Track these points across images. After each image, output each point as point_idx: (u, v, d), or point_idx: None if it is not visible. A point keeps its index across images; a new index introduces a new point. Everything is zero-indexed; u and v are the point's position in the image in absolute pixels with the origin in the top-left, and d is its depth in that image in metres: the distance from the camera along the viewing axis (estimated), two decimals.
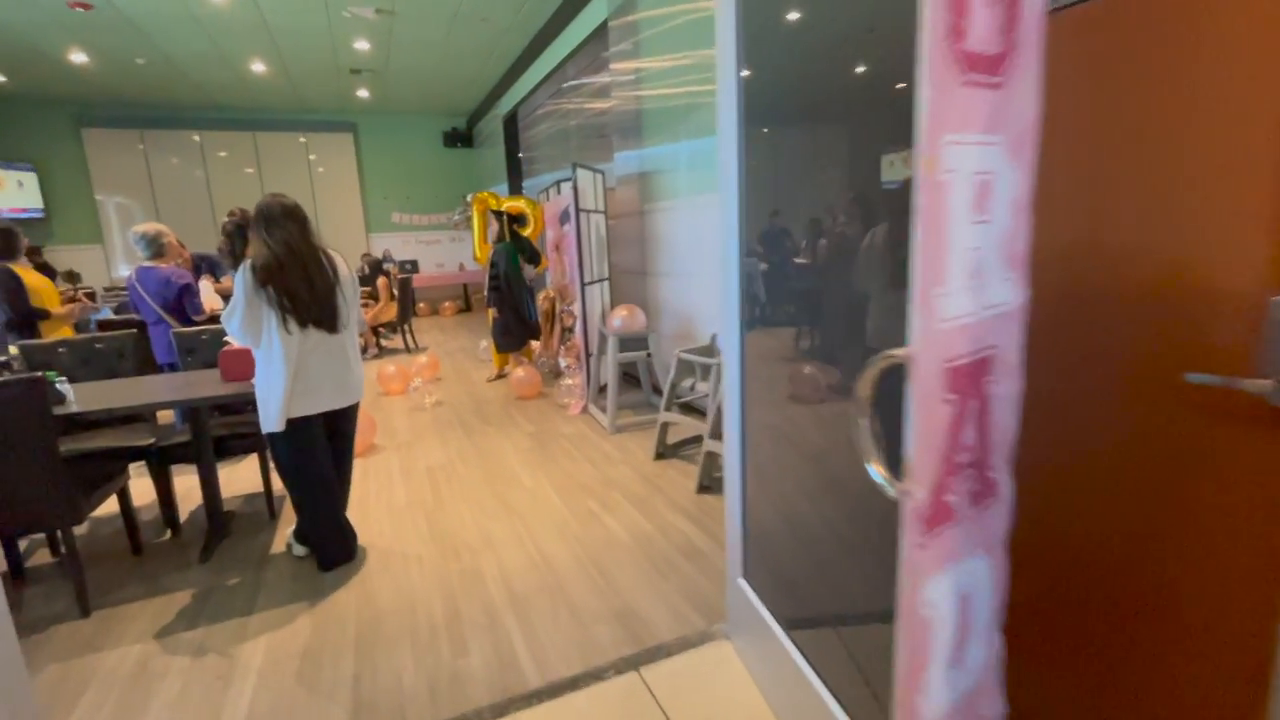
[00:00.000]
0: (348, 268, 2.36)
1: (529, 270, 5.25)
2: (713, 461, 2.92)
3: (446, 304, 10.67)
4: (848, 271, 1.32)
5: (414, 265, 10.66)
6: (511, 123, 8.80)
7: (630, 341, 3.88)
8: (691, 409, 3.88)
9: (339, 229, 10.34)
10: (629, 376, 4.90)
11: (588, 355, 4.32)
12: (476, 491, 3.06)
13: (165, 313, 3.35)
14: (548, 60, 6.61)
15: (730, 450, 1.76)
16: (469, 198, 10.31)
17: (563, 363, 5.21)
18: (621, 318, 3.92)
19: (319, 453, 2.31)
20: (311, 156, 10.15)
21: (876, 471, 0.91)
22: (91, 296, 5.72)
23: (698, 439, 3.46)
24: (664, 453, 3.40)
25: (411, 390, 4.68)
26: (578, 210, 4.14)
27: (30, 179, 8.43)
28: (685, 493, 2.93)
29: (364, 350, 6.84)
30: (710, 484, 2.94)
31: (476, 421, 4.24)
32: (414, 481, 3.23)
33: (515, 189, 8.96)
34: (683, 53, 3.86)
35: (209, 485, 2.60)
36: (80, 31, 5.80)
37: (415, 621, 2.03)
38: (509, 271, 4.98)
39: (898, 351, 0.86)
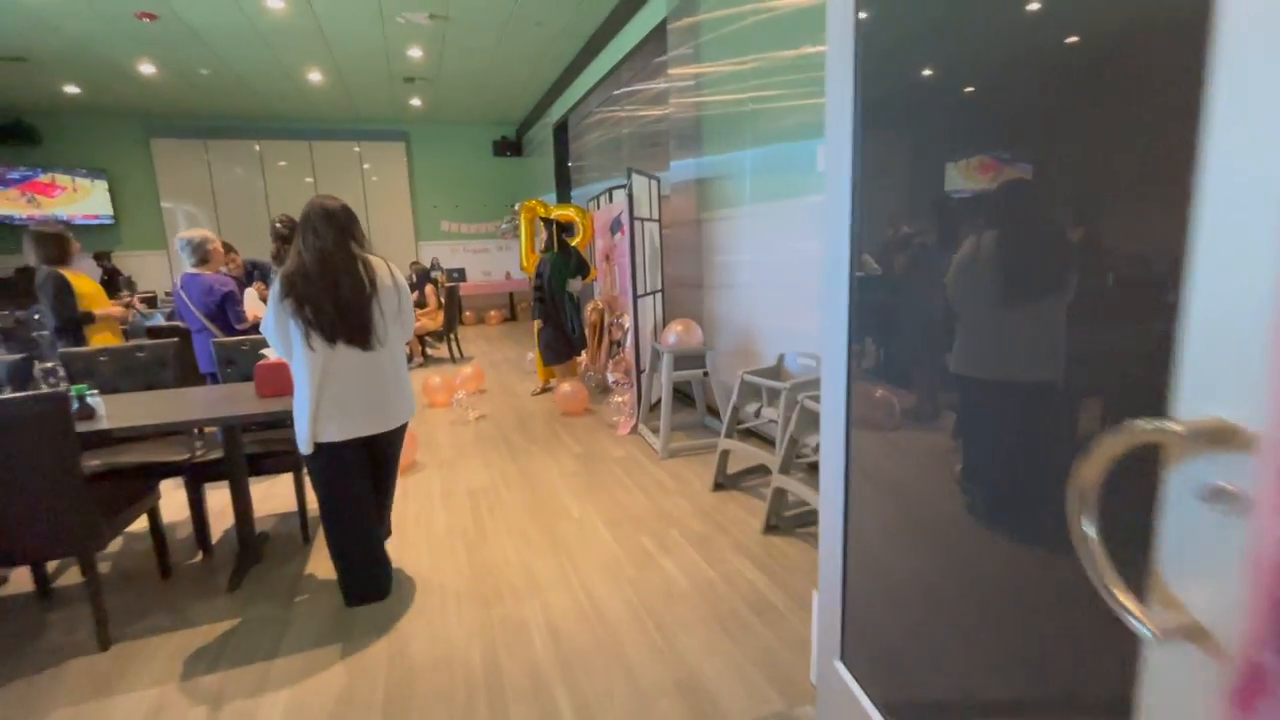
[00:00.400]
0: (394, 277, 2.13)
1: (575, 283, 5.04)
2: (781, 499, 2.61)
3: (492, 313, 10.62)
4: (1011, 294, 1.01)
5: (461, 274, 10.66)
6: (561, 131, 8.68)
7: (685, 359, 3.61)
8: (754, 435, 3.57)
9: (390, 237, 10.43)
10: (682, 395, 4.62)
11: (639, 372, 4.07)
12: (520, 521, 2.83)
13: (208, 321, 3.25)
14: (600, 65, 6.44)
15: (828, 505, 1.46)
16: (517, 206, 10.29)
17: (610, 378, 4.97)
18: (677, 333, 3.65)
19: (352, 483, 2.11)
20: (366, 166, 10.29)
21: (1127, 606, 0.60)
22: (152, 302, 5.80)
23: (761, 469, 3.15)
24: (723, 483, 3.10)
25: (455, 403, 4.52)
26: (632, 218, 3.90)
27: (101, 186, 8.75)
28: (750, 532, 2.63)
29: (409, 359, 6.77)
30: (779, 523, 2.63)
31: (521, 439, 4.03)
32: (455, 506, 3.02)
33: (564, 198, 8.84)
34: (748, 56, 3.59)
35: (241, 508, 2.44)
36: (147, 43, 5.93)
37: (452, 682, 1.79)
38: (553, 283, 4.78)
39: (1172, 425, 0.57)
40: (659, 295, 4.45)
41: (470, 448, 3.90)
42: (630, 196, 3.86)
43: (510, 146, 10.82)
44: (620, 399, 4.24)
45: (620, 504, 2.96)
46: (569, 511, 2.90)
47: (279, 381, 2.39)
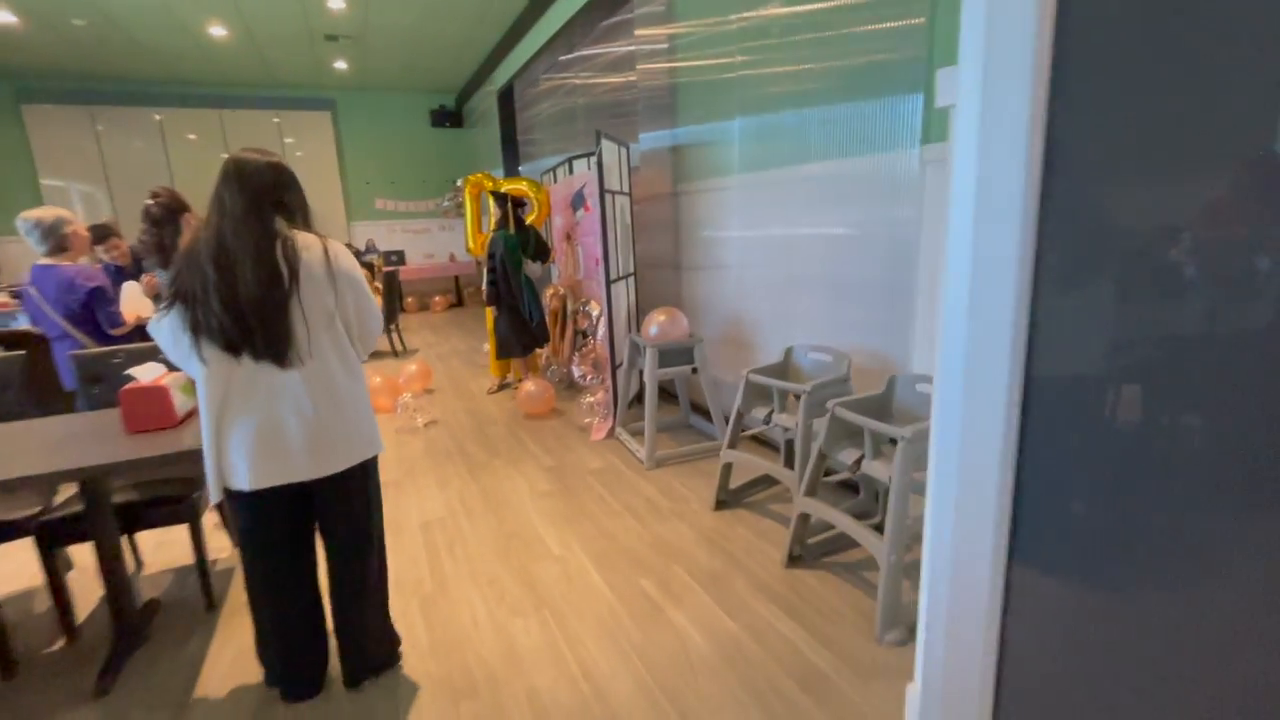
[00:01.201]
0: (332, 263, 1.48)
1: (534, 267, 4.46)
2: (805, 525, 2.18)
3: (437, 298, 9.84)
4: None
5: (400, 256, 9.81)
6: (507, 99, 7.94)
7: (669, 353, 3.13)
8: (756, 440, 3.15)
9: (317, 218, 9.44)
10: (661, 392, 4.15)
11: (614, 367, 3.57)
12: (488, 563, 2.31)
13: (71, 325, 2.55)
14: (550, 24, 5.77)
15: (936, 581, 1.03)
16: (460, 182, 9.48)
17: (576, 371, 4.45)
18: (659, 324, 3.16)
19: (275, 546, 1.55)
20: (288, 140, 9.24)
21: None
22: (17, 297, 4.86)
23: (766, 479, 2.73)
24: (726, 500, 2.66)
25: (400, 408, 3.90)
26: (603, 190, 3.36)
27: None
28: (769, 565, 2.20)
29: None
30: (803, 554, 2.21)
31: (480, 450, 3.48)
32: (406, 546, 2.47)
33: (512, 173, 8.13)
34: (733, 15, 3.08)
35: (114, 578, 1.83)
36: None
37: None
38: (507, 265, 4.19)
39: None
40: (631, 279, 3.94)
41: (421, 464, 3.33)
42: (599, 164, 3.31)
43: (449, 117, 9.96)
44: (592, 398, 3.73)
45: (608, 533, 2.48)
46: (547, 546, 2.40)
47: (156, 411, 1.78)
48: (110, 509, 1.82)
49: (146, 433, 1.77)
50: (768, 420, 2.45)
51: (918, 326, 2.31)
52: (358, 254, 6.92)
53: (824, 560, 2.22)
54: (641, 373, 3.34)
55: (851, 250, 2.55)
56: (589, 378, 4.34)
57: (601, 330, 3.92)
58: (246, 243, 1.39)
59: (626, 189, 3.85)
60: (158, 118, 8.50)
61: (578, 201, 4.41)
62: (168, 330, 1.41)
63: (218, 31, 6.31)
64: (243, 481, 1.44)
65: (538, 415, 4.00)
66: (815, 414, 2.29)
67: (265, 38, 6.61)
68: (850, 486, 2.54)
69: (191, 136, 8.69)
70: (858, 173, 2.48)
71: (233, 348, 1.39)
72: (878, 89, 2.33)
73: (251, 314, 1.38)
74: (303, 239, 1.46)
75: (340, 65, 7.86)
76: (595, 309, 4.26)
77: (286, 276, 1.41)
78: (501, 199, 4.21)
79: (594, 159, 3.33)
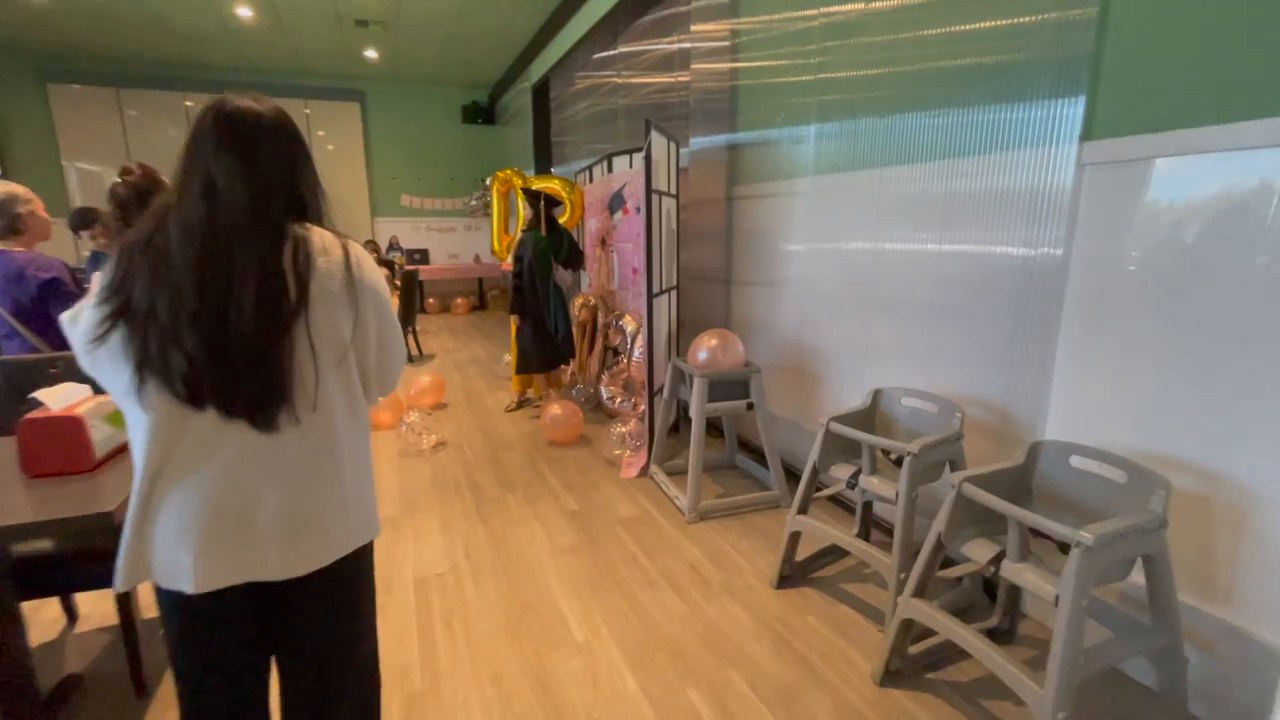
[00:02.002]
0: (354, 273, 0.99)
1: (564, 274, 4.01)
2: (908, 633, 1.67)
3: (459, 300, 9.48)
4: None
5: (424, 255, 9.48)
6: (542, 95, 7.55)
7: (722, 385, 2.64)
8: (835, 502, 2.64)
9: (341, 212, 9.14)
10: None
11: (651, 394, 3.08)
12: (494, 645, 1.84)
13: (20, 322, 2.15)
14: (591, 14, 5.35)
15: None
16: (488, 181, 9.13)
17: (605, 393, 3.98)
18: (709, 349, 2.67)
19: (227, 674, 1.03)
20: (319, 132, 8.97)
21: None
22: None
23: (834, 551, 2.23)
24: (790, 574, 2.15)
25: (404, 427, 3.46)
26: (649, 191, 2.89)
27: None
28: (856, 679, 1.69)
29: None
30: (901, 667, 1.70)
31: (493, 484, 3.01)
32: (394, 609, 2.01)
33: (544, 174, 7.73)
34: (813, 9, 2.61)
35: (9, 665, 1.39)
36: None
37: None
38: (536, 270, 3.73)
39: None
40: (674, 293, 3.46)
41: (424, 497, 2.87)
42: (648, 159, 2.84)
43: (482, 113, 9.62)
44: (624, 428, 3.25)
45: (644, 612, 1.99)
46: (569, 628, 1.92)
47: (64, 451, 1.34)
48: (8, 576, 1.39)
49: (50, 478, 1.33)
50: (853, 483, 1.94)
51: (1059, 377, 1.79)
52: (377, 255, 6.54)
53: (929, 677, 1.70)
54: (683, 404, 2.86)
55: (964, 272, 2.04)
56: (619, 401, 3.87)
57: (638, 350, 3.44)
58: (250, 255, 0.90)
59: (674, 191, 3.38)
60: (189, 104, 8.27)
61: (616, 203, 3.96)
62: (106, 358, 0.89)
63: (244, 11, 6.01)
64: (184, 580, 0.93)
65: (562, 443, 3.53)
66: (921, 480, 1.78)
67: (293, 20, 6.30)
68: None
69: None
70: (978, 176, 1.97)
71: (198, 398, 0.90)
72: (1018, 79, 1.83)
73: (240, 355, 0.88)
74: (319, 239, 0.97)
75: (370, 54, 7.54)
76: (630, 325, 3.79)
77: (294, 295, 0.92)
78: (534, 197, 3.77)
79: (642, 153, 2.86)
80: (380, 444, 3.56)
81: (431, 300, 9.42)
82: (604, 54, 5.65)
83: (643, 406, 3.61)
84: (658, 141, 2.98)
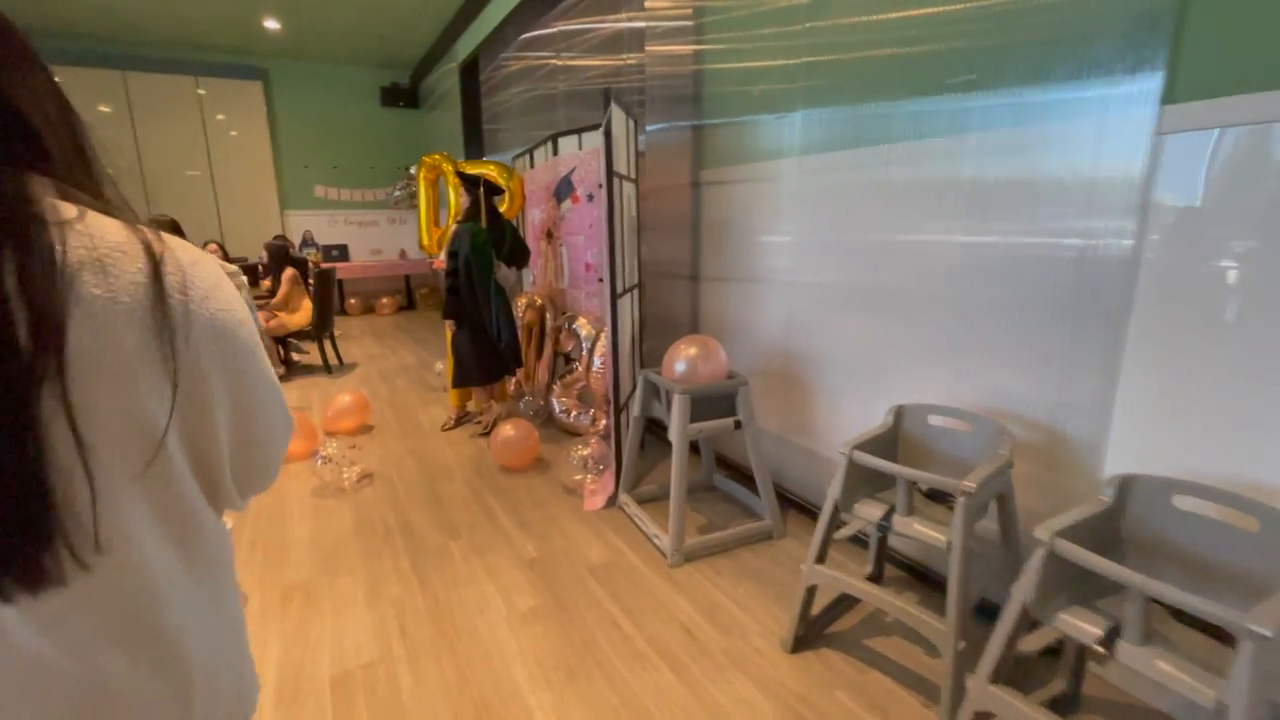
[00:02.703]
0: (162, 298, 0.49)
1: (507, 273, 3.51)
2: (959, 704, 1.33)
3: (384, 300, 8.70)
4: None
5: (343, 251, 8.65)
6: (471, 75, 6.92)
7: (705, 401, 2.24)
8: (851, 541, 2.29)
9: (246, 204, 8.21)
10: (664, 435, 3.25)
11: (617, 411, 2.65)
12: None
13: None
14: None
15: None
16: (413, 169, 8.38)
17: (557, 406, 3.52)
18: (689, 358, 2.27)
19: None
20: (219, 116, 7.95)
21: None
22: None
23: (846, 600, 1.88)
24: (805, 635, 1.78)
25: (320, 460, 2.88)
26: (611, 172, 2.45)
27: None
28: None
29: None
30: None
31: (432, 526, 2.51)
32: None
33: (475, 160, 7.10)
34: None
35: None
36: None
37: None
38: (475, 268, 3.21)
39: None
40: (636, 291, 3.04)
41: (344, 552, 2.34)
42: (608, 137, 2.40)
43: (403, 96, 8.83)
44: (585, 451, 2.80)
45: (637, 704, 1.57)
46: None
47: None
48: None
49: None
50: (885, 526, 1.59)
51: (1124, 394, 1.49)
52: (281, 248, 5.71)
53: None
54: (655, 421, 2.46)
55: (1000, 265, 1.72)
56: (574, 415, 3.42)
57: (598, 359, 3.00)
58: None
59: (634, 175, 2.95)
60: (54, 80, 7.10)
61: (564, 190, 3.50)
62: None
63: None
64: None
65: (515, 469, 3.05)
66: (971, 518, 1.45)
67: None
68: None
69: (104, 108, 7.33)
70: (1021, 151, 1.65)
71: None
72: (1073, 24, 1.51)
73: None
74: (91, 238, 0.48)
75: (272, 24, 6.69)
76: (585, 328, 3.35)
77: (30, 350, 0.43)
78: (472, 182, 3.25)
79: (594, 133, 2.41)
80: (289, 479, 2.97)
81: (353, 301, 8.61)
82: (540, 32, 5.13)
83: (604, 422, 3.18)
84: (617, 116, 2.54)
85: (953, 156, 1.81)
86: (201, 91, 7.82)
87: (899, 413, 1.80)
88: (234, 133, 8.07)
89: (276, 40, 7.30)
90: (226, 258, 5.35)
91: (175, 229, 3.22)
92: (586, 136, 3.29)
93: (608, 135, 2.38)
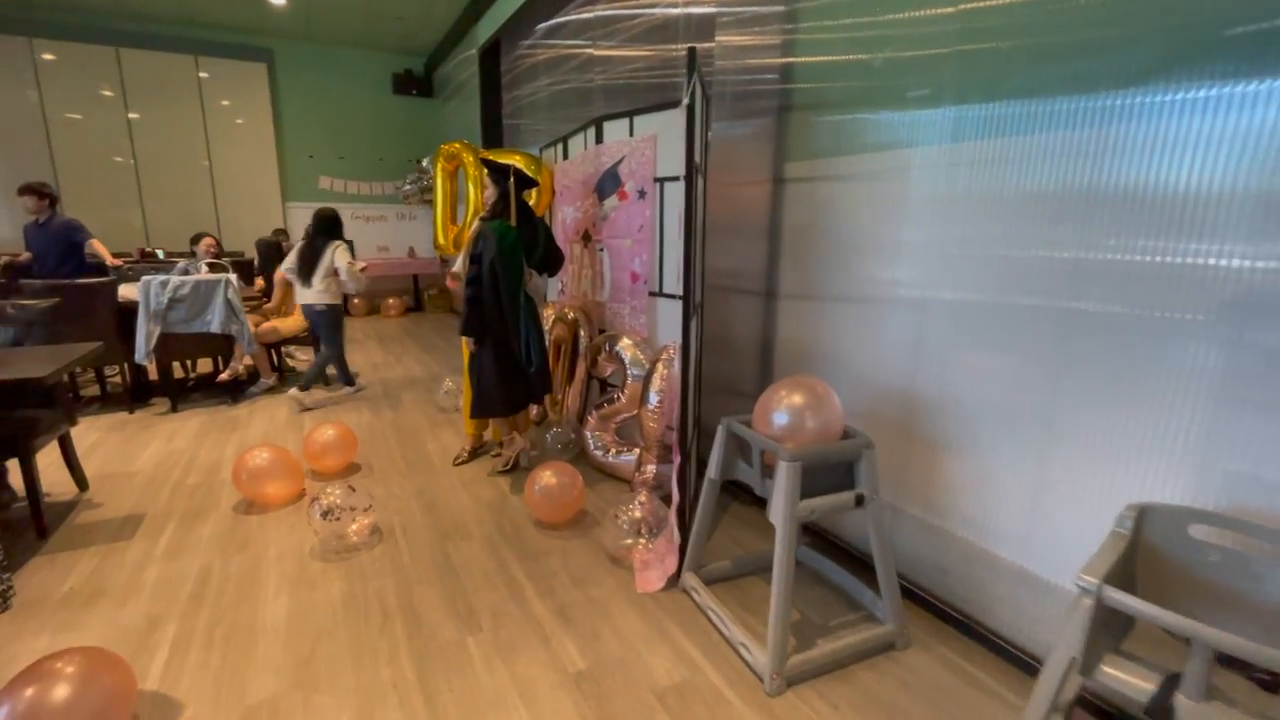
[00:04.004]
0: None
1: (539, 283, 2.95)
2: None
3: (390, 300, 8.17)
4: None
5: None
6: (492, 62, 6.38)
7: (819, 470, 1.67)
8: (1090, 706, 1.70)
9: (246, 195, 7.68)
10: (737, 491, 2.68)
11: (685, 466, 2.08)
12: None
13: None
14: None
15: None
16: (425, 162, 7.84)
17: (593, 441, 2.96)
18: (793, 409, 1.70)
19: None
20: (224, 101, 7.43)
21: None
22: None
23: None
24: None
25: (316, 509, 2.30)
26: (694, 159, 1.88)
27: None
28: None
29: (251, 383, 4.37)
30: None
31: (442, 611, 1.94)
32: None
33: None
34: None
35: None
36: None
37: None
38: (503, 274, 2.63)
39: None
40: (698, 311, 2.47)
41: (327, 649, 1.77)
42: (694, 110, 1.83)
43: (417, 84, 8.31)
44: (633, 511, 2.23)
45: None
46: None
47: None
48: None
49: None
50: (1163, 705, 1.01)
51: None
52: (274, 244, 5.09)
53: None
54: (733, 482, 1.89)
55: None
56: (612, 453, 2.86)
57: (656, 393, 2.44)
58: None
59: (705, 168, 2.39)
60: (46, 56, 6.59)
61: (608, 185, 2.94)
62: None
63: None
64: None
65: (553, 525, 2.48)
66: None
67: None
68: None
69: (107, 92, 6.80)
70: None
71: None
72: None
73: None
74: None
75: (277, 0, 6.16)
76: (628, 351, 2.78)
77: None
78: (499, 172, 2.68)
79: (685, 101, 1.84)
80: (271, 534, 2.41)
81: (356, 301, 8.07)
82: (572, 17, 4.58)
83: (653, 467, 2.61)
84: (698, 91, 1.97)
85: (1230, 147, 1.24)
86: (204, 74, 7.30)
87: (1139, 515, 1.23)
88: (239, 120, 7.55)
89: (283, 19, 6.78)
90: (221, 253, 4.81)
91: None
92: (641, 120, 2.73)
93: (691, 111, 1.81)
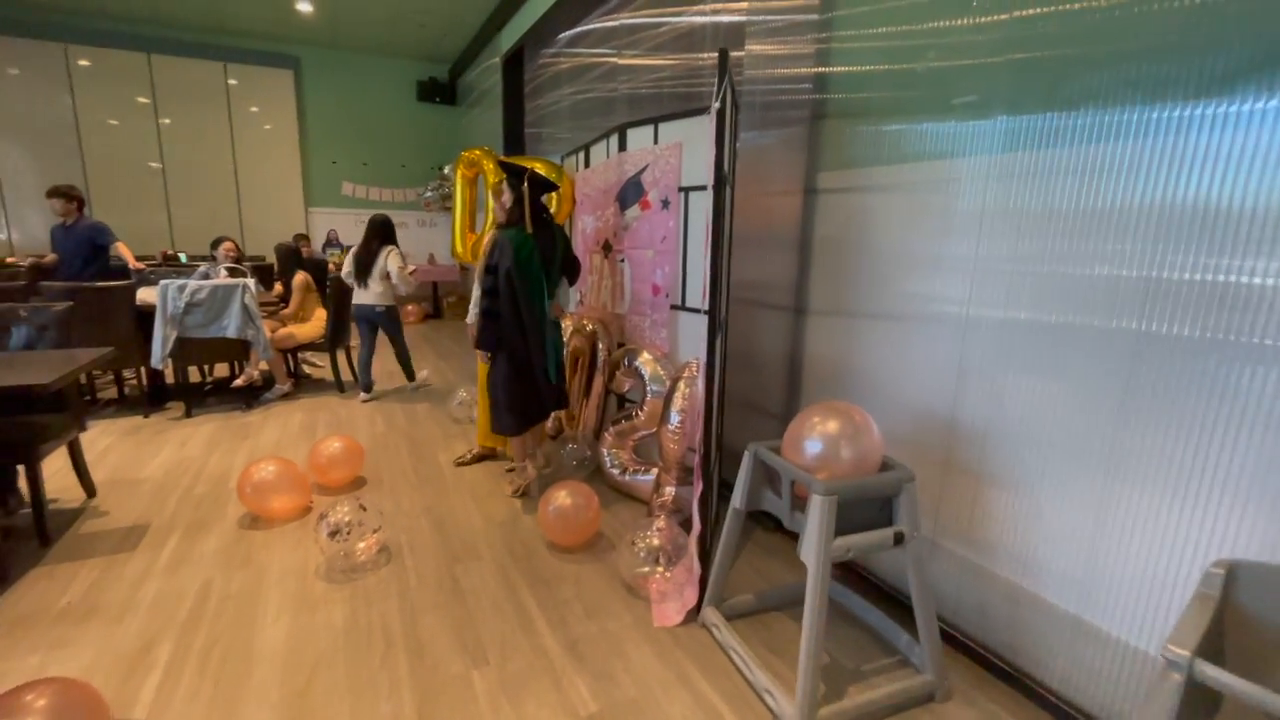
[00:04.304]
0: None
1: (566, 294, 2.86)
2: None
3: (409, 307, 8.15)
4: None
5: None
6: (515, 69, 6.36)
7: (856, 505, 1.54)
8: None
9: (269, 201, 7.74)
10: (763, 527, 2.55)
11: (710, 492, 1.96)
12: None
13: None
14: None
15: None
16: (447, 169, 7.85)
17: (609, 459, 2.85)
18: (827, 438, 1.57)
19: None
20: (253, 108, 7.52)
21: None
22: None
23: None
24: None
25: (327, 530, 2.21)
26: (720, 161, 1.77)
27: None
28: None
29: (266, 388, 4.34)
30: None
31: (449, 640, 1.84)
32: None
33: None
34: None
35: None
36: None
37: None
38: (518, 283, 2.54)
39: None
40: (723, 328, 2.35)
41: (324, 679, 1.67)
42: (725, 109, 1.72)
43: (441, 91, 8.33)
44: (651, 537, 2.11)
45: None
46: None
47: None
48: None
49: None
50: None
51: None
52: (293, 249, 5.07)
53: None
54: (761, 511, 1.76)
55: None
56: (629, 472, 2.75)
57: (678, 413, 2.32)
58: None
59: (733, 176, 2.28)
60: (83, 62, 6.72)
61: (630, 194, 2.85)
62: None
63: None
64: None
65: (567, 547, 2.37)
66: None
67: None
68: None
69: (143, 99, 6.91)
70: None
71: None
72: None
73: None
74: None
75: (304, 6, 6.21)
76: (648, 366, 2.68)
77: None
78: (516, 175, 2.59)
79: (714, 104, 1.74)
80: (274, 552, 2.33)
81: None
82: (595, 26, 4.52)
83: (671, 489, 2.49)
84: (726, 94, 1.87)
85: None
86: (232, 81, 7.39)
87: (1231, 576, 1.08)
88: (268, 126, 7.63)
89: (309, 26, 6.83)
90: (241, 258, 4.80)
91: None
92: (667, 128, 2.63)
93: (721, 116, 1.71)
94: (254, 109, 7.55)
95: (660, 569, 2.08)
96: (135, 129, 7.01)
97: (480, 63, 7.33)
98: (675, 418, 2.30)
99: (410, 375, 4.64)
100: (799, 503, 1.62)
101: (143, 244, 6.53)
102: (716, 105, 1.70)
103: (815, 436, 1.60)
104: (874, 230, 2.06)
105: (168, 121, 7.15)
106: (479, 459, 3.20)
